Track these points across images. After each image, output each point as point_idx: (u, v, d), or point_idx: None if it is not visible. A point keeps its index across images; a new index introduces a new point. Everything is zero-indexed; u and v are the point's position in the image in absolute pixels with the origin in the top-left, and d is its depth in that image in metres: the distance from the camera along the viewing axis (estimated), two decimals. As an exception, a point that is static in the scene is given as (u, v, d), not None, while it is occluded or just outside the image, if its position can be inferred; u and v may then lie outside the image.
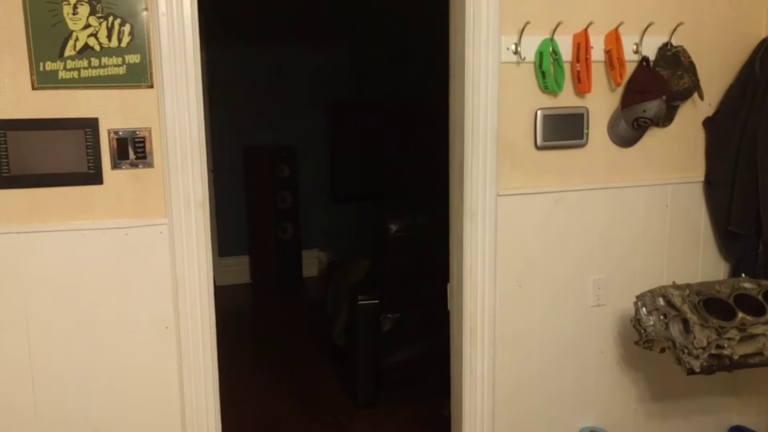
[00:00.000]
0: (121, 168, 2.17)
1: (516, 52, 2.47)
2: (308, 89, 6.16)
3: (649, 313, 2.44)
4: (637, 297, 2.49)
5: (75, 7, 2.08)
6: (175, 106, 2.18)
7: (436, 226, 2.94)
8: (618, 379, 2.84)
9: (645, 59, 2.59)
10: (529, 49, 2.48)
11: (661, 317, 2.39)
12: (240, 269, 6.25)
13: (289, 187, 6.06)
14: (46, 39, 2.06)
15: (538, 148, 2.57)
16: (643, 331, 2.46)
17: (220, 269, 5.80)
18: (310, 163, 6.27)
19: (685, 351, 2.29)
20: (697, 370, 2.27)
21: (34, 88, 2.07)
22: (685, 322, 2.31)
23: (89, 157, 2.13)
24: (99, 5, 2.10)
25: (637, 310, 2.48)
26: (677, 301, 2.33)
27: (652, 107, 2.56)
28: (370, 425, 3.55)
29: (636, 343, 2.53)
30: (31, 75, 2.06)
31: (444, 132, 2.67)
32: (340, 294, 4.04)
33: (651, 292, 2.45)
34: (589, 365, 2.79)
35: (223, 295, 5.46)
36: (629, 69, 2.58)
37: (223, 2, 4.78)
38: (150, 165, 2.20)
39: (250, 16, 5.38)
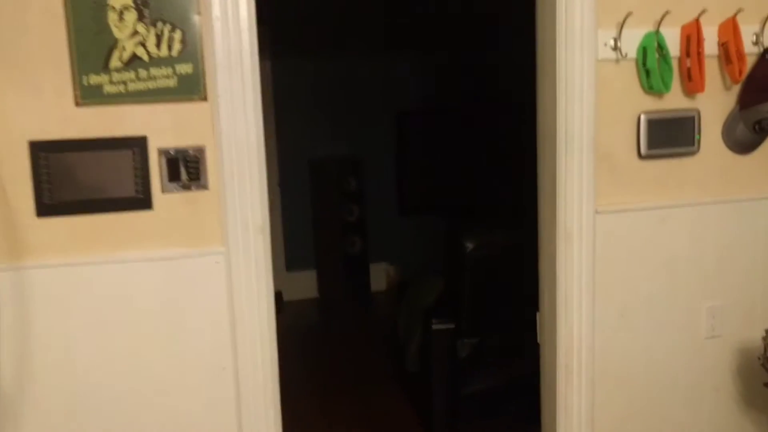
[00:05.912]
0: (171, 191, 1.99)
1: (615, 48, 2.24)
2: (376, 99, 6.09)
3: (783, 350, 2.09)
4: (767, 331, 2.14)
5: (121, 13, 1.90)
6: (232, 121, 2.00)
7: (518, 244, 2.68)
8: (736, 421, 2.54)
9: (767, 51, 2.28)
10: (631, 44, 2.24)
11: (798, 355, 2.04)
12: (307, 284, 6.18)
13: (356, 199, 6.01)
14: (90, 49, 1.88)
15: (641, 157, 2.32)
16: (773, 370, 2.12)
17: (287, 283, 5.77)
18: (378, 175, 6.21)
19: (833, 398, 1.93)
20: None
21: (77, 105, 1.90)
22: (831, 363, 1.95)
23: (137, 180, 1.95)
24: (147, 10, 1.91)
25: (766, 347, 2.14)
26: (819, 337, 1.98)
27: (777, 107, 2.24)
28: (448, 460, 3.29)
29: (766, 384, 2.18)
30: (75, 90, 1.89)
31: (527, 140, 2.46)
32: (412, 317, 3.84)
33: (784, 324, 2.10)
34: (701, 405, 2.51)
35: (289, 311, 5.47)
36: (749, 63, 2.29)
37: (286, 11, 4.64)
38: (204, 187, 2.01)
39: (315, 24, 5.26)
